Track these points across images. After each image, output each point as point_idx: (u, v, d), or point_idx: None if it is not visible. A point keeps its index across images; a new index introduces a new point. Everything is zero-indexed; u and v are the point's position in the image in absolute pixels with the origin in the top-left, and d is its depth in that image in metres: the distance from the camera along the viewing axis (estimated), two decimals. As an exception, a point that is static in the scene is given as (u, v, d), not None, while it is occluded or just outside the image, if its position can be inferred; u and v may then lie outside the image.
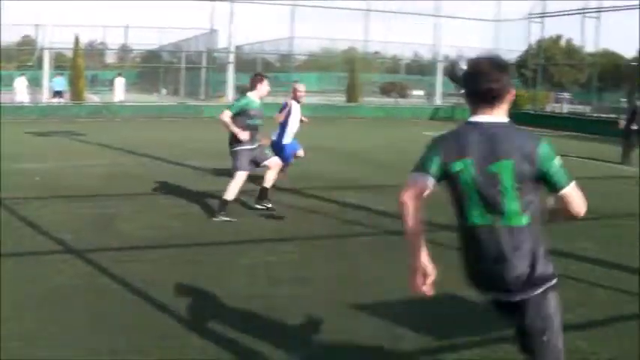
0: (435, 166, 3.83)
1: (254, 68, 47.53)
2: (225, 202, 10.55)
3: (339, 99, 41.62)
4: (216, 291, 7.09)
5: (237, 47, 41.99)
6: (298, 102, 13.38)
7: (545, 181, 3.78)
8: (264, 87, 10.81)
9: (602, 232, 10.72)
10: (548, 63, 46.09)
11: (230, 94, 36.90)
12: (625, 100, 40.32)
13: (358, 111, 36.69)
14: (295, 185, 13.56)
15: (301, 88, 13.63)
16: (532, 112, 37.01)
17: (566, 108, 44.81)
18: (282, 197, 12.34)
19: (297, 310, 6.64)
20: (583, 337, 6.20)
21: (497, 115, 3.85)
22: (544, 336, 3.87)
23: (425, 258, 3.85)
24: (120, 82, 36.83)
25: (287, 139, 13.34)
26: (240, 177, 10.60)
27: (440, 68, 41.85)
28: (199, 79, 40.52)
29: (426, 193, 3.84)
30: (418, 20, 43.25)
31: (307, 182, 14.11)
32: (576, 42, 49.44)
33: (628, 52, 49.42)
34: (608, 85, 45.10)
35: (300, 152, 13.84)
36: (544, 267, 3.87)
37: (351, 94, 39.56)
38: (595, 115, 37.55)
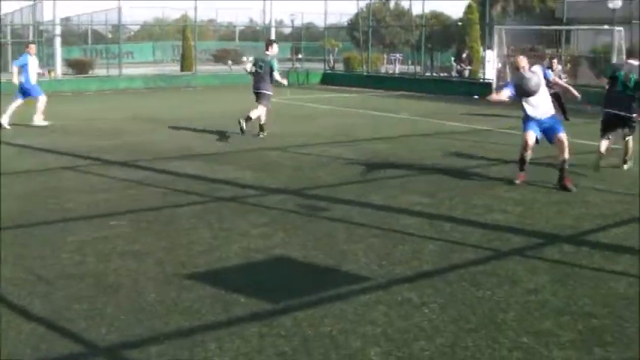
0: (609, 72, 12.81)
1: (85, 40, 46.18)
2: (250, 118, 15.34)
3: (174, 68, 40.93)
4: (45, 272, 6.85)
5: (65, 19, 40.55)
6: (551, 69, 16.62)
7: None
8: (274, 48, 15.83)
9: (428, 185, 11.04)
10: (379, 25, 46.90)
11: (59, 69, 35.56)
12: (454, 59, 41.51)
13: (193, 80, 36.16)
14: (126, 158, 13.31)
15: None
16: (365, 73, 37.60)
17: (398, 69, 45.81)
18: (113, 171, 12.09)
19: (128, 285, 6.51)
20: (413, 289, 6.38)
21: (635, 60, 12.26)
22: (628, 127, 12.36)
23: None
24: None
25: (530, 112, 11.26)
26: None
27: (272, 33, 41.69)
28: (27, 53, 38.78)
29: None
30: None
31: (139, 155, 13.89)
32: (405, 4, 50.72)
33: (455, 14, 51.10)
34: (437, 46, 46.27)
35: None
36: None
37: (185, 62, 39.04)
38: (426, 74, 38.56)
